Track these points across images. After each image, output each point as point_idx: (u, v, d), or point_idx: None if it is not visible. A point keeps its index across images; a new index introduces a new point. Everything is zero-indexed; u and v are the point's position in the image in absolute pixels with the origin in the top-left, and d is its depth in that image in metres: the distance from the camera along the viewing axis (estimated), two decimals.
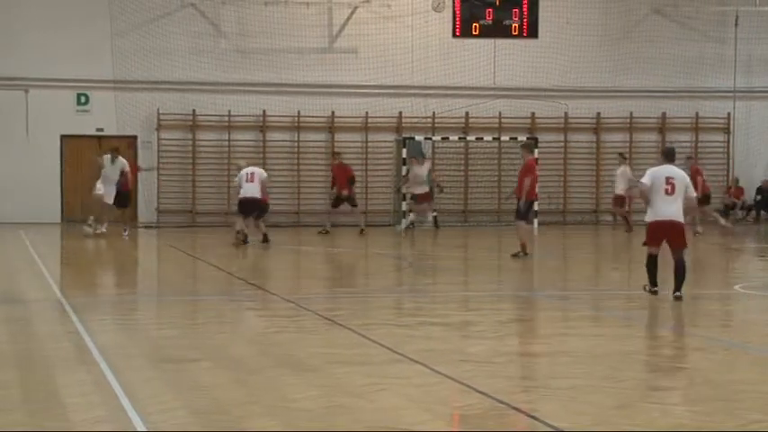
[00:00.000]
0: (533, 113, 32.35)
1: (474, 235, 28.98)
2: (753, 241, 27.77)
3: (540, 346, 11.01)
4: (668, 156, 14.46)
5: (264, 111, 31.45)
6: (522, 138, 31.26)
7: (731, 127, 33.12)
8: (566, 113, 32.54)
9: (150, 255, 24.19)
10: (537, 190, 21.68)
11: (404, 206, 30.50)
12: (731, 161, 33.32)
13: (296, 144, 31.53)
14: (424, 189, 28.33)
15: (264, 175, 23.62)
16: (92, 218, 25.93)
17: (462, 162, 32.31)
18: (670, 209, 13.91)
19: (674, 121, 33.02)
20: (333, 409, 7.89)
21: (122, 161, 25.95)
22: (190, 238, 26.99)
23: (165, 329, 12.32)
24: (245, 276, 17.86)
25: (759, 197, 33.34)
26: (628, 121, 32.83)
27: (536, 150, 30.10)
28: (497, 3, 31.83)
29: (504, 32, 31.96)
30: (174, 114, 31.09)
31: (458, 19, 31.87)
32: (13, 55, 30.47)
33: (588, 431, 7.35)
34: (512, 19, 32.02)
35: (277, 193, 31.12)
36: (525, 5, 31.98)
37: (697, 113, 33.01)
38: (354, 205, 27.40)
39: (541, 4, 32.17)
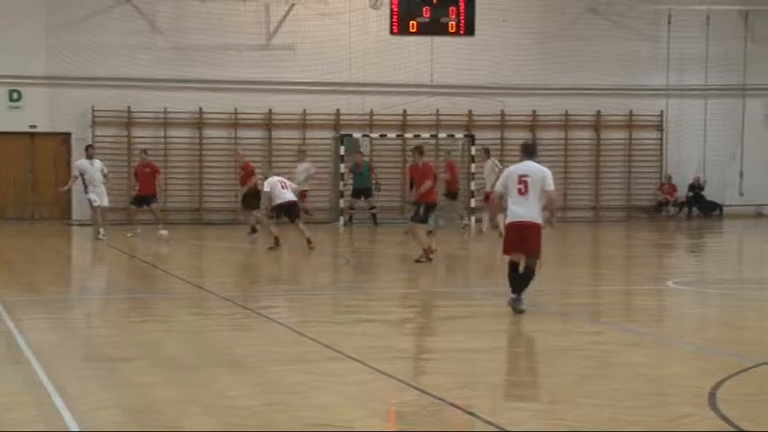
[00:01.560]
0: (470, 111, 32.49)
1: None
2: (684, 238, 28.13)
3: (478, 342, 11.07)
4: (527, 151, 12.88)
5: (201, 108, 31.26)
6: (460, 135, 31.42)
7: (664, 124, 33.53)
8: (502, 111, 32.73)
9: (86, 253, 23.94)
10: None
11: (341, 203, 30.51)
12: (664, 158, 33.72)
13: (233, 141, 31.38)
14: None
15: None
16: (101, 230, 24.50)
17: (400, 159, 32.36)
18: (521, 210, 12.51)
19: (609, 119, 33.34)
20: (269, 406, 7.87)
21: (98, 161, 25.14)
22: (125, 236, 26.74)
23: (99, 328, 12.21)
24: (181, 274, 17.74)
25: (691, 194, 33.77)
26: (563, 118, 33.09)
27: (473, 148, 30.30)
28: (434, 1, 31.91)
29: (442, 30, 32.06)
30: (110, 111, 30.78)
31: (395, 16, 31.89)
32: None
33: (524, 429, 7.40)
34: (449, 17, 32.12)
35: (215, 189, 30.96)
36: (462, 4, 32.08)
37: (631, 111, 33.37)
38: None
39: (478, 3, 32.27)
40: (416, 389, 8.46)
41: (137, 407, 7.87)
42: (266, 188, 22.37)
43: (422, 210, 19.24)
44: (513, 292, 12.67)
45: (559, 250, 23.81)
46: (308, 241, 21.56)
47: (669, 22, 32.91)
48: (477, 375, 9.25)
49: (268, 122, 31.73)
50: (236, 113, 31.42)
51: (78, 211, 30.69)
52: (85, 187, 24.77)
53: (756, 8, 33.52)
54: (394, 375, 9.01)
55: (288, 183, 22.67)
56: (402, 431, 7.65)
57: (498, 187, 12.85)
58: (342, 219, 29.06)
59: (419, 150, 19.60)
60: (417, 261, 18.95)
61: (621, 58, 33.21)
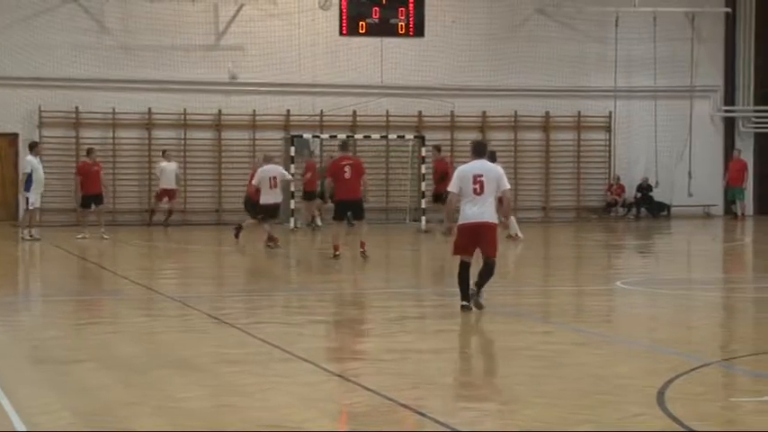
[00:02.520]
0: (420, 112, 32.55)
1: None
2: (633, 238, 28.37)
3: (428, 342, 11.09)
4: (477, 150, 12.76)
5: (150, 108, 31.06)
6: (410, 136, 31.46)
7: (612, 125, 33.79)
8: (452, 112, 32.82)
9: (33, 254, 23.69)
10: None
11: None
12: (612, 159, 33.98)
13: (182, 142, 31.21)
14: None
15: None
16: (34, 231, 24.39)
17: None
18: (478, 210, 12.38)
19: (558, 120, 33.55)
20: (220, 408, 7.83)
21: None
22: (73, 238, 26.50)
23: (47, 330, 12.08)
24: (130, 275, 17.61)
25: (639, 195, 34.06)
26: (512, 119, 33.25)
27: (423, 149, 30.36)
28: (384, 2, 31.96)
29: (391, 31, 32.13)
30: (57, 112, 30.50)
31: (344, 17, 31.92)
32: None
33: (475, 429, 7.42)
34: (398, 18, 32.20)
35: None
36: (411, 5, 32.18)
37: (579, 112, 33.60)
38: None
39: (427, 4, 32.39)
40: (367, 389, 8.46)
41: (86, 409, 7.80)
42: (254, 181, 22.12)
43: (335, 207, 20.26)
44: (464, 298, 12.59)
45: (510, 251, 23.92)
46: (275, 240, 21.75)
47: (616, 24, 33.18)
48: (428, 376, 9.26)
49: (218, 123, 31.59)
50: (185, 114, 31.26)
51: (23, 212, 30.35)
52: (28, 185, 24.20)
53: (702, 10, 33.88)
54: (345, 376, 9.00)
55: (279, 177, 22.21)
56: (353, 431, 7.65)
57: (452, 188, 12.59)
58: (292, 220, 28.99)
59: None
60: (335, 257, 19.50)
61: (570, 60, 33.44)
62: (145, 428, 7.30)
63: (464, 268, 12.63)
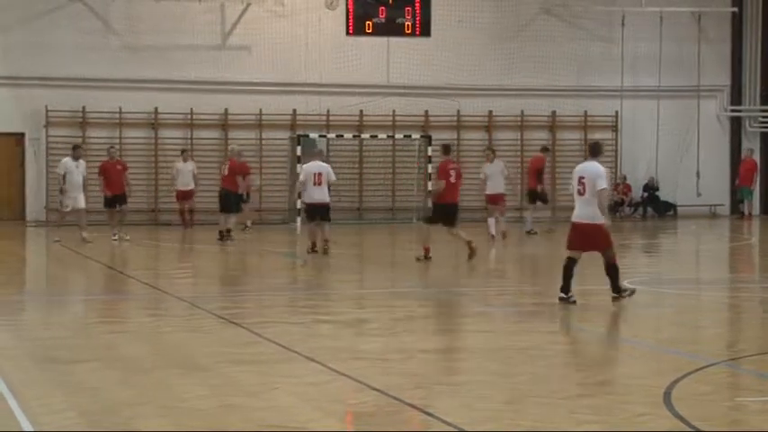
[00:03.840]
0: (427, 111, 32.53)
1: (368, 232, 29.04)
2: (639, 238, 28.33)
3: (435, 342, 11.08)
4: (592, 151, 14.18)
5: (157, 108, 31.07)
6: (416, 135, 31.44)
7: (619, 125, 33.74)
8: (458, 111, 32.80)
9: (39, 254, 23.73)
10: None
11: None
12: (619, 159, 33.94)
13: (189, 141, 31.22)
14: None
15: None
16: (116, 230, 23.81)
17: (357, 160, 32.36)
18: (582, 211, 13.52)
19: (564, 119, 33.51)
20: (224, 408, 7.83)
21: (83, 162, 23.88)
22: (79, 237, 26.52)
23: (53, 330, 12.09)
24: (137, 275, 17.62)
25: (645, 194, 34.02)
26: (519, 118, 33.22)
27: (429, 148, 30.33)
28: (390, 1, 31.96)
29: (397, 31, 32.13)
30: (63, 111, 30.53)
31: (351, 17, 31.91)
32: None
33: (481, 429, 7.41)
34: (404, 17, 32.19)
35: (171, 190, 30.73)
36: (418, 4, 32.17)
37: (586, 112, 33.55)
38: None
39: (434, 3, 32.38)
40: (373, 389, 8.46)
41: (91, 408, 7.81)
42: (301, 178, 20.81)
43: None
44: (564, 289, 13.55)
45: (516, 249, 23.89)
46: (326, 242, 20.54)
47: (623, 24, 33.13)
48: (434, 375, 9.26)
49: (224, 123, 31.60)
50: (191, 114, 31.27)
51: (33, 211, 30.43)
52: (61, 189, 23.58)
53: (709, 10, 33.83)
54: (351, 376, 9.00)
55: (325, 174, 20.62)
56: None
57: (607, 184, 13.57)
58: (299, 219, 29.01)
59: (446, 149, 20.24)
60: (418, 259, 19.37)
61: (576, 59, 33.40)
62: (150, 428, 7.30)
63: (570, 262, 13.65)
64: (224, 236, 23.50)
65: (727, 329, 12.60)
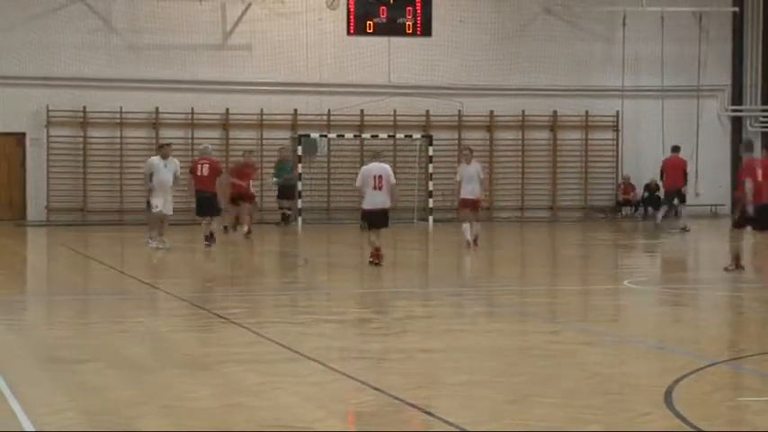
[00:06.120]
0: (428, 111, 32.53)
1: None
2: (641, 238, 28.33)
3: (436, 342, 11.08)
4: (745, 148, 16.45)
5: (157, 108, 31.08)
6: (417, 135, 31.42)
7: (620, 125, 33.74)
8: (460, 111, 32.80)
9: (40, 254, 23.74)
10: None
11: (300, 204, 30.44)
12: (620, 159, 33.93)
13: (190, 141, 31.22)
14: None
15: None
16: (154, 233, 22.05)
17: (358, 160, 32.33)
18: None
19: (565, 119, 33.50)
20: (227, 408, 7.83)
21: (175, 161, 22.18)
22: (81, 237, 26.55)
23: (55, 329, 12.10)
24: (138, 275, 17.63)
25: (647, 194, 34.01)
26: (520, 118, 33.22)
27: (430, 148, 30.32)
28: (391, 1, 31.97)
29: (399, 30, 32.14)
30: (65, 111, 30.54)
31: (352, 16, 31.92)
32: None
33: (482, 429, 7.41)
34: (405, 17, 32.20)
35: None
36: (419, 4, 32.18)
37: (587, 111, 33.55)
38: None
39: (435, 3, 32.38)
40: (375, 389, 8.46)
41: (93, 408, 7.81)
42: (357, 183, 18.52)
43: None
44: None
45: (517, 250, 23.91)
46: (378, 252, 18.23)
47: (624, 24, 33.13)
48: (436, 375, 9.26)
49: (225, 123, 31.60)
50: (192, 113, 31.28)
51: (33, 212, 30.43)
52: (150, 190, 21.90)
53: (710, 9, 33.83)
54: (352, 376, 9.00)
55: (386, 177, 18.25)
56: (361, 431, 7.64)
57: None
58: (300, 219, 28.99)
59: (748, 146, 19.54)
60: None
61: (577, 59, 33.40)
62: (152, 428, 7.30)
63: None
64: (210, 239, 22.15)
65: (728, 329, 12.60)
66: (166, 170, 21.61)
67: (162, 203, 21.62)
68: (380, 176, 18.16)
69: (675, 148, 28.21)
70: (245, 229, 24.21)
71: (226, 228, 25.00)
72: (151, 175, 21.76)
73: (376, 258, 18.15)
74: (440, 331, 11.95)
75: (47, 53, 30.28)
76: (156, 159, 22.01)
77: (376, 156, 19.43)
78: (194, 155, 31.00)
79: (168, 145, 22.81)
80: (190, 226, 25.27)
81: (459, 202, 21.73)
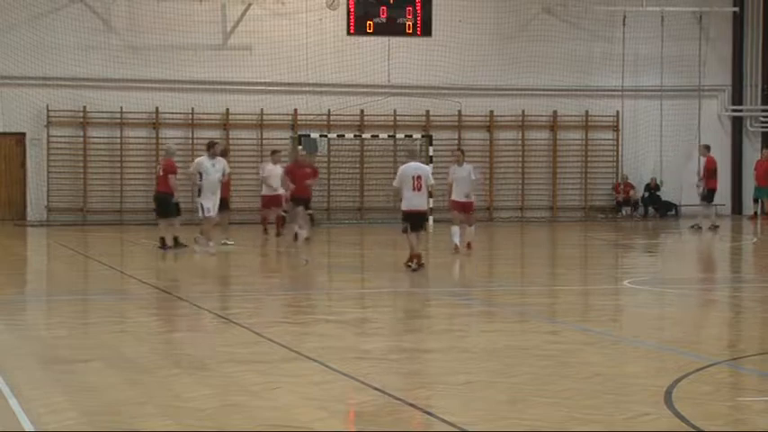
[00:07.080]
0: (428, 111, 32.55)
1: (369, 232, 29.04)
2: (641, 237, 28.33)
3: (436, 342, 11.08)
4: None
5: (157, 108, 31.09)
6: (417, 135, 31.43)
7: (620, 125, 33.75)
8: (459, 111, 32.81)
9: (40, 254, 23.73)
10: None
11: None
12: (620, 159, 33.94)
13: (190, 141, 31.23)
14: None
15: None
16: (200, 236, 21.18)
17: (357, 160, 32.37)
18: None
19: (565, 119, 33.52)
20: (227, 408, 7.84)
21: (223, 161, 21.36)
22: (81, 237, 26.56)
23: (55, 330, 12.10)
24: (137, 275, 17.63)
25: (647, 194, 34.02)
26: (520, 118, 33.23)
27: (431, 148, 30.32)
28: (391, 1, 31.98)
29: (398, 30, 32.15)
30: (65, 111, 30.56)
31: (352, 16, 31.94)
32: None
33: (482, 428, 7.41)
34: (405, 17, 32.22)
35: None
36: (419, 4, 32.20)
37: (587, 111, 33.56)
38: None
39: (435, 3, 32.40)
40: (375, 389, 8.46)
41: (93, 408, 7.81)
42: (395, 183, 17.96)
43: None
44: None
45: (517, 250, 23.91)
46: (419, 258, 17.63)
47: (624, 24, 33.15)
48: (435, 375, 9.26)
49: (225, 122, 31.62)
50: (192, 113, 31.29)
51: (33, 212, 30.45)
52: (199, 191, 21.08)
53: (710, 9, 33.84)
54: (352, 376, 9.00)
55: (425, 178, 17.65)
56: (360, 431, 7.64)
57: None
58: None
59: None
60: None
61: (577, 59, 33.42)
62: (152, 428, 7.31)
63: None
64: (176, 243, 21.43)
65: (728, 329, 12.59)
66: (215, 170, 20.86)
67: (212, 206, 20.85)
68: (419, 177, 17.61)
69: (708, 148, 28.43)
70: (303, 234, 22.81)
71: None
72: (200, 175, 20.96)
73: (417, 264, 17.37)
74: (440, 331, 11.95)
75: (47, 53, 30.30)
76: (204, 159, 21.16)
77: (412, 155, 18.75)
78: (194, 155, 31.17)
79: (217, 143, 21.93)
80: (190, 226, 25.22)
81: (450, 205, 21.04)
